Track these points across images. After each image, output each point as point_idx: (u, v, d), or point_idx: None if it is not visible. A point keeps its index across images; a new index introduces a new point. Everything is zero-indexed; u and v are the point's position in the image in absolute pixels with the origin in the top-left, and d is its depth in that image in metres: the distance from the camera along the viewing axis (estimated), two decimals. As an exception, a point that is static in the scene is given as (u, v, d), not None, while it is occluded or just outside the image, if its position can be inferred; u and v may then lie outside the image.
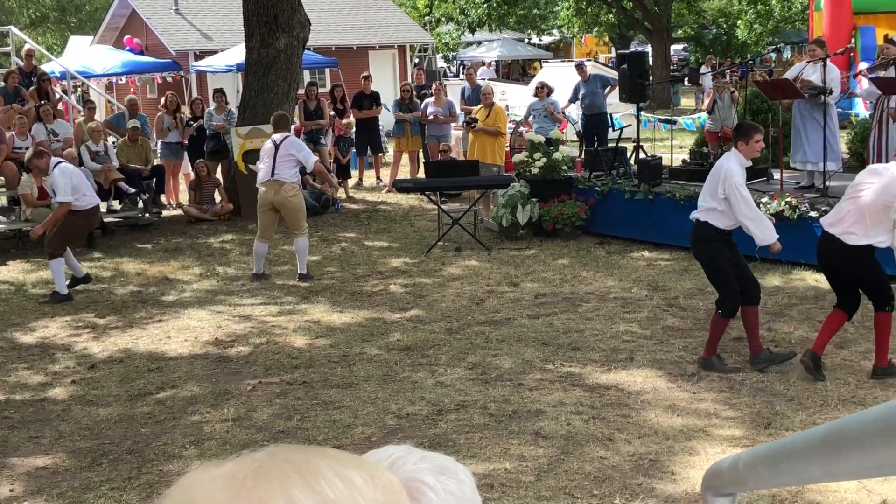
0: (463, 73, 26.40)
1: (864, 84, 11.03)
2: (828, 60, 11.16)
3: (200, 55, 26.57)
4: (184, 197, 16.14)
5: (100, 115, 19.21)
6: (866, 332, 8.15)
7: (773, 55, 29.04)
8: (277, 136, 10.70)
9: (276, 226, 11.04)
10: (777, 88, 11.59)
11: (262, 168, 10.70)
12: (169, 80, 24.97)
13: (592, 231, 12.56)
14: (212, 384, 7.54)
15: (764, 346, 7.49)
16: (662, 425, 6.31)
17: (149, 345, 8.69)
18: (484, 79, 25.91)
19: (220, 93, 16.37)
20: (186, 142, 16.41)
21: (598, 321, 8.83)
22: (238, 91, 19.19)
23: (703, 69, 35.56)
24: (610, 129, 16.83)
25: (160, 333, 9.04)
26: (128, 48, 26.60)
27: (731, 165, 7.28)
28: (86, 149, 14.47)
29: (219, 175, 15.88)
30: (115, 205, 15.19)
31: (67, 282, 10.51)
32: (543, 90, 16.83)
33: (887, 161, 10.68)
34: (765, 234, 7.29)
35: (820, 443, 1.34)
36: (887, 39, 11.12)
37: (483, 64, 43.13)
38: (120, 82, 25.58)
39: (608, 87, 16.71)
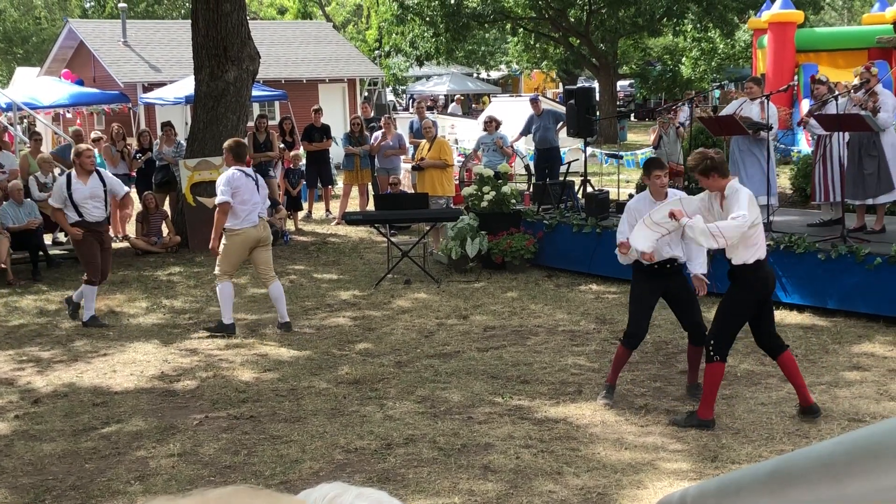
0: (413, 107, 26.51)
1: (811, 122, 11.20)
2: (768, 98, 11.37)
3: (149, 87, 26.44)
4: (130, 229, 15.98)
5: (46, 147, 19.01)
6: (809, 364, 8.27)
7: (717, 92, 29.49)
8: (250, 171, 10.09)
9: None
10: (721, 125, 11.78)
11: (248, 206, 9.79)
12: (117, 111, 24.78)
13: (541, 264, 12.64)
14: (157, 419, 7.45)
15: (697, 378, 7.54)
16: (610, 459, 6.34)
17: (94, 379, 8.57)
18: (435, 115, 26.00)
19: (168, 125, 16.30)
20: (134, 174, 16.30)
21: (547, 354, 8.86)
22: (187, 123, 19.11)
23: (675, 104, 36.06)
24: (561, 164, 16.98)
25: (105, 367, 8.92)
26: (66, 81, 26.37)
27: (629, 203, 7.64)
28: (34, 180, 14.32)
29: (167, 207, 15.77)
30: (61, 237, 15.00)
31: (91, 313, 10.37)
32: (492, 124, 16.97)
33: (833, 199, 10.90)
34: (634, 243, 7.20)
35: (767, 478, 1.36)
36: (814, 80, 11.37)
37: (432, 102, 43.36)
38: (67, 115, 25.35)
39: (560, 123, 16.83)
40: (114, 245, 15.52)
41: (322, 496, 1.15)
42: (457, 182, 18.15)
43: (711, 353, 6.80)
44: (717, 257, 8.55)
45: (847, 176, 10.59)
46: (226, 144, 10.19)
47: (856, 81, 10.99)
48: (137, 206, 16.01)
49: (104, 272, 10.62)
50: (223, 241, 9.84)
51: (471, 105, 51.02)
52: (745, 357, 8.58)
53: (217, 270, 9.95)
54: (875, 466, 1.11)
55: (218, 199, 9.72)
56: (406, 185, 17.67)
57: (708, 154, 6.76)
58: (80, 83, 26.57)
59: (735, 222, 6.46)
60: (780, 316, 9.87)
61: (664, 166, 7.61)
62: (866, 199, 10.76)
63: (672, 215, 6.72)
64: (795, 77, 21.09)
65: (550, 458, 6.36)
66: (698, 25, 36.40)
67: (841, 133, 10.57)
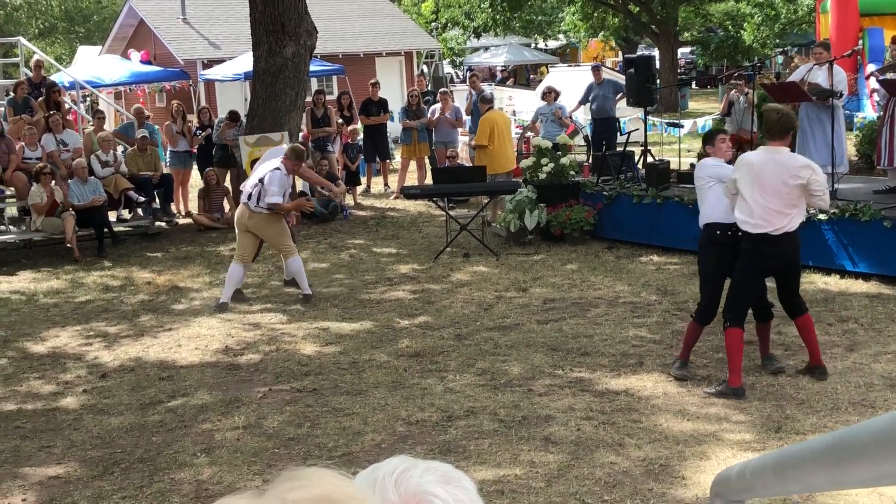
0: (468, 80, 26.47)
1: (873, 85, 11.01)
2: (834, 63, 11.15)
3: (208, 64, 26.63)
4: (193, 205, 16.17)
5: (109, 125, 19.29)
6: (875, 334, 8.14)
7: (781, 58, 29.00)
8: (270, 164, 10.10)
9: (255, 249, 10.54)
10: (785, 92, 11.58)
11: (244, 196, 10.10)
12: (177, 88, 25.03)
13: (601, 236, 12.56)
14: (222, 392, 7.56)
15: (771, 350, 7.50)
16: (673, 430, 6.31)
17: (159, 353, 8.72)
18: (493, 87, 25.82)
19: (234, 116, 16.25)
20: (195, 150, 16.47)
21: (608, 326, 8.82)
22: (246, 99, 19.23)
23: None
24: (619, 134, 16.85)
25: (170, 342, 9.06)
26: (141, 62, 26.71)
27: (706, 161, 7.62)
28: (96, 158, 14.53)
29: (228, 183, 15.92)
30: (125, 214, 15.23)
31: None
32: (551, 94, 16.86)
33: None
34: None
35: (825, 452, 1.34)
36: (895, 40, 11.09)
37: (490, 74, 43.12)
38: (128, 92, 25.65)
39: (619, 94, 16.63)
40: (178, 221, 15.78)
41: (391, 470, 1.15)
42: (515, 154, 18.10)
43: (724, 320, 7.04)
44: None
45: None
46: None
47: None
48: (199, 182, 16.20)
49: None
50: None
51: (529, 76, 50.71)
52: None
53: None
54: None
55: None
56: (464, 158, 17.65)
57: (782, 115, 6.97)
58: (150, 62, 26.89)
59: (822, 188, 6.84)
60: (846, 285, 9.74)
61: (727, 132, 7.70)
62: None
63: None
64: (860, 41, 20.64)
65: (612, 429, 6.35)
66: (760, -10, 35.79)
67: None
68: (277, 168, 9.96)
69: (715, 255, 7.33)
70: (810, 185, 6.69)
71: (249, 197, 10.01)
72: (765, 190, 6.75)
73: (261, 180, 9.93)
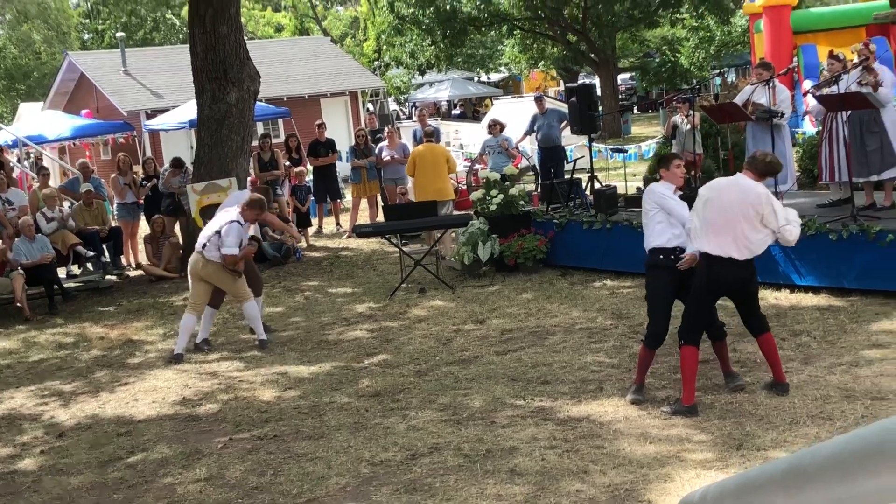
0: (416, 115, 26.51)
1: (810, 102, 11.23)
2: (776, 81, 11.34)
3: (152, 114, 26.56)
4: (143, 257, 16.05)
5: (54, 181, 19.11)
6: (829, 346, 8.25)
7: (718, 79, 29.48)
8: (225, 214, 10.13)
9: (209, 297, 10.38)
10: (725, 113, 11.76)
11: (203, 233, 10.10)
12: (122, 140, 24.89)
13: (554, 263, 12.63)
14: (182, 444, 7.48)
15: (732, 367, 7.57)
16: (636, 454, 6.33)
17: (116, 409, 8.61)
18: (438, 121, 26.01)
19: (177, 163, 16.23)
20: (142, 202, 16.39)
21: (566, 353, 8.86)
22: (191, 147, 19.18)
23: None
24: (566, 162, 16.99)
25: (127, 397, 8.96)
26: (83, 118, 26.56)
27: (654, 187, 7.65)
28: (42, 215, 14.40)
29: (178, 231, 15.85)
30: (75, 269, 15.08)
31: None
32: (496, 127, 16.99)
33: (839, 178, 10.87)
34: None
35: (781, 477, 1.37)
36: (832, 55, 11.31)
37: (434, 109, 43.33)
38: (73, 146, 25.47)
39: (564, 122, 16.78)
40: (129, 273, 15.64)
41: None
42: (464, 187, 18.19)
43: (679, 339, 7.11)
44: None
45: (851, 154, 10.55)
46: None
47: (855, 59, 10.95)
48: (146, 230, 16.09)
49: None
50: None
51: (474, 109, 51.06)
52: (763, 343, 8.56)
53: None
54: (883, 466, 1.11)
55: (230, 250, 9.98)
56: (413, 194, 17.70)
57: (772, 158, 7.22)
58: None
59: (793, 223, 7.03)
60: (796, 299, 9.87)
61: (681, 157, 7.83)
62: (870, 176, 10.72)
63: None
64: (795, 59, 21.03)
65: (576, 457, 6.36)
66: (694, 13, 36.39)
67: (843, 112, 10.54)
68: (235, 220, 9.93)
69: (661, 278, 7.40)
70: (765, 218, 6.90)
71: (205, 246, 9.98)
72: (724, 213, 6.91)
73: (217, 231, 9.90)
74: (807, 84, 18.24)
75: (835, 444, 1.23)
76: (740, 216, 6.88)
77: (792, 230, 7.01)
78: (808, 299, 9.83)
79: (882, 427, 1.13)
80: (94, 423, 8.27)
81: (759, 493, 1.46)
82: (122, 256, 16.04)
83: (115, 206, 16.71)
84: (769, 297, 9.97)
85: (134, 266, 16.16)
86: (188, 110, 20.89)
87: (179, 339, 10.20)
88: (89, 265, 15.03)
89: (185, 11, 32.33)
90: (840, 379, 7.39)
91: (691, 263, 7.20)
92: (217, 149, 14.71)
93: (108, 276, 15.02)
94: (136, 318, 12.43)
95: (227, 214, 10.07)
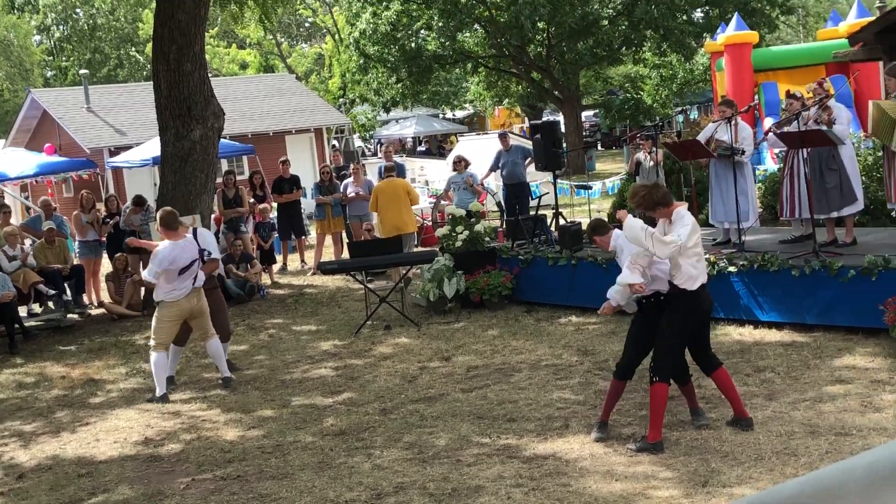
0: (381, 152, 26.56)
1: (771, 141, 11.39)
2: (739, 119, 11.48)
3: (115, 151, 26.41)
4: (105, 295, 15.90)
5: (16, 219, 18.92)
6: (792, 382, 8.30)
7: (681, 117, 29.79)
8: (188, 240, 9.98)
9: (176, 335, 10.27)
10: (687, 149, 11.87)
11: (185, 280, 9.79)
12: (85, 177, 24.72)
13: (519, 299, 12.64)
14: (144, 485, 7.38)
15: (697, 403, 7.58)
16: (602, 492, 6.32)
17: (77, 450, 8.49)
18: (403, 158, 26.06)
19: (139, 200, 16.13)
20: (104, 239, 16.26)
21: (532, 390, 8.85)
22: (155, 184, 19.08)
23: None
24: (530, 199, 17.06)
25: (88, 437, 8.83)
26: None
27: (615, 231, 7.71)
28: (2, 253, 14.24)
29: (141, 269, 15.72)
30: (36, 308, 14.91)
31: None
32: (461, 163, 17.05)
33: (800, 214, 10.98)
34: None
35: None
36: (789, 95, 11.47)
37: (400, 146, 43.42)
38: (35, 183, 25.27)
39: (528, 159, 16.86)
40: (91, 311, 15.48)
41: None
42: (430, 223, 18.21)
43: (652, 376, 7.04)
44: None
45: (812, 191, 10.66)
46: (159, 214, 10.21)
47: (810, 97, 11.11)
48: (108, 268, 15.96)
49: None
50: (157, 311, 9.91)
51: (439, 145, 51.27)
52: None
53: (152, 342, 9.93)
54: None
55: (145, 276, 9.85)
56: (380, 230, 17.70)
57: (646, 191, 7.13)
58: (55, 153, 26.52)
59: (667, 239, 6.84)
60: (760, 335, 9.93)
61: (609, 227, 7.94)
62: (831, 213, 10.84)
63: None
64: (756, 97, 21.29)
65: (542, 495, 6.33)
66: (657, 52, 36.80)
67: (804, 149, 10.67)
68: (192, 239, 10.01)
69: (639, 316, 7.44)
70: None
71: (195, 279, 9.87)
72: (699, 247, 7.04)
73: (202, 251, 9.88)
74: (768, 121, 18.45)
75: (789, 486, 1.23)
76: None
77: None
78: (772, 335, 9.89)
79: (838, 469, 1.13)
80: (55, 464, 8.14)
81: None
82: (83, 295, 15.89)
83: (77, 243, 16.56)
84: (733, 333, 10.03)
85: (96, 304, 16.00)
86: (152, 147, 20.78)
87: (157, 379, 9.86)
88: (51, 304, 14.87)
89: (149, 48, 32.28)
90: (804, 415, 7.42)
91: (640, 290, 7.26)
92: (181, 186, 14.64)
93: (69, 315, 14.86)
94: (98, 356, 12.29)
95: (185, 245, 9.86)
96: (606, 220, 8.53)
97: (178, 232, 9.90)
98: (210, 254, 10.22)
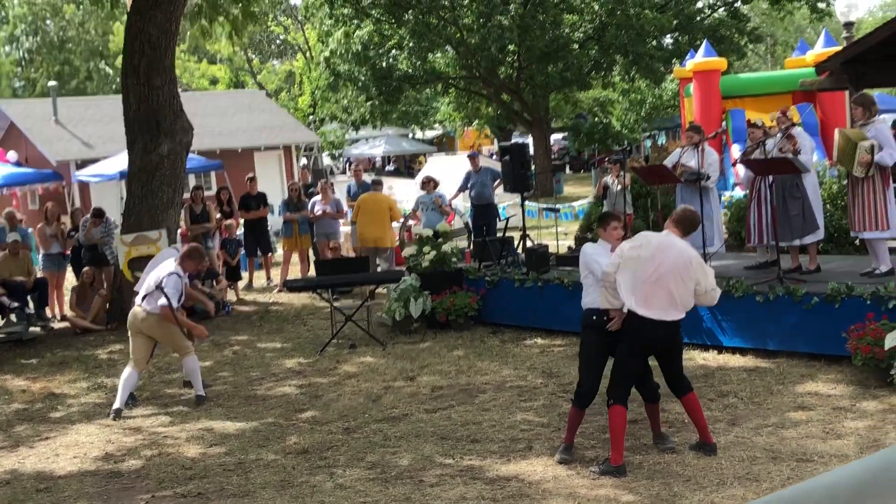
0: (350, 171, 26.56)
1: (741, 172, 11.50)
2: (705, 145, 11.58)
3: (82, 164, 26.22)
4: (69, 309, 15.75)
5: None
6: (755, 407, 8.34)
7: (649, 141, 30.03)
8: (165, 265, 10.01)
9: (150, 351, 10.24)
10: (654, 174, 11.95)
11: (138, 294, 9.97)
12: (51, 190, 24.54)
13: (485, 321, 12.65)
14: (103, 501, 7.30)
15: (662, 429, 7.61)
16: (564, 514, 6.31)
17: (36, 464, 8.38)
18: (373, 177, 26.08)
19: (98, 213, 16.00)
20: (68, 253, 16.12)
21: (496, 411, 8.84)
22: (122, 198, 18.96)
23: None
24: (498, 220, 17.11)
25: (48, 452, 8.73)
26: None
27: (586, 248, 7.75)
28: (-36, 264, 14.09)
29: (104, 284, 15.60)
30: (-4, 320, 14.74)
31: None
32: (430, 183, 17.06)
33: (767, 241, 11.08)
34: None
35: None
36: (750, 124, 11.60)
37: (369, 165, 43.41)
38: (1, 195, 25.05)
39: (497, 181, 16.90)
40: (54, 325, 15.33)
41: None
42: (396, 244, 18.21)
43: (608, 398, 7.12)
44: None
45: (777, 218, 10.76)
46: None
47: (773, 126, 11.23)
48: (73, 282, 15.81)
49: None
50: None
51: (408, 165, 51.32)
52: (691, 403, 8.62)
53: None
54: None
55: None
56: (346, 249, 17.68)
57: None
58: (19, 164, 26.29)
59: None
60: (724, 359, 9.99)
61: (620, 218, 7.90)
62: (793, 241, 10.95)
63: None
64: (723, 123, 21.48)
65: (504, 517, 6.32)
66: (626, 77, 37.07)
67: (769, 176, 10.78)
68: (174, 272, 9.84)
69: (594, 338, 7.44)
70: (699, 283, 7.01)
71: (144, 298, 9.83)
72: (657, 272, 6.98)
73: (159, 285, 9.77)
74: (735, 150, 18.62)
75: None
76: (675, 277, 6.97)
77: (717, 293, 7.16)
78: (735, 360, 9.95)
79: (783, 498, 1.14)
80: (13, 478, 8.04)
81: None
82: (47, 308, 15.73)
83: (41, 256, 16.42)
84: (697, 358, 10.07)
85: (59, 318, 15.85)
86: (119, 161, 20.67)
87: (120, 394, 9.83)
88: (13, 316, 14.71)
89: (119, 61, 32.16)
90: (766, 440, 7.46)
91: (619, 324, 7.25)
92: (148, 200, 14.57)
93: (31, 328, 14.70)
94: (60, 371, 12.16)
95: (167, 266, 9.93)
96: (574, 242, 8.51)
97: (182, 261, 10.01)
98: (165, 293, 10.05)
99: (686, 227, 7.29)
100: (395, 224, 16.55)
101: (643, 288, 6.99)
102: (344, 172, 45.44)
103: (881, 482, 0.96)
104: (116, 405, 9.79)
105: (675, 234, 7.21)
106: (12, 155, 26.68)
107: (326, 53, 36.13)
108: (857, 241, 12.30)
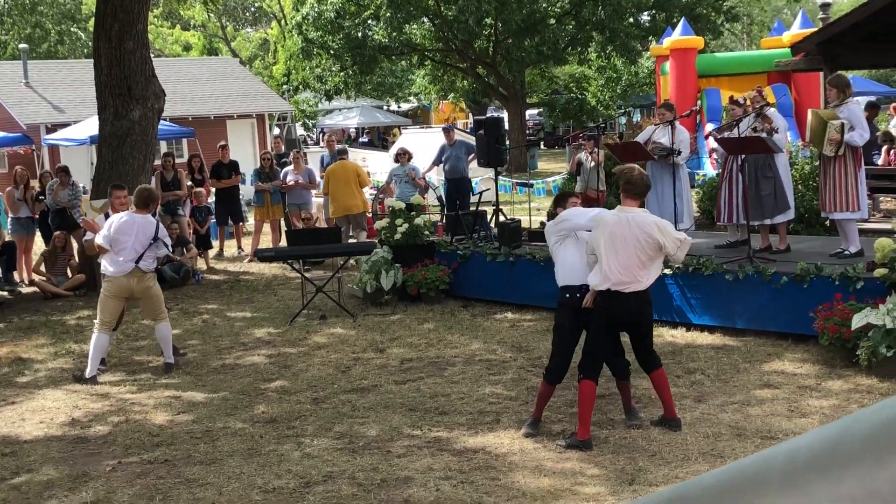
0: (323, 141, 26.41)
1: (712, 144, 11.55)
2: (677, 123, 11.61)
3: (52, 128, 25.98)
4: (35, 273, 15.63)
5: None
6: (722, 384, 8.41)
7: (624, 119, 30.07)
8: (141, 219, 9.84)
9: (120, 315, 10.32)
10: (628, 151, 11.97)
11: (121, 256, 9.66)
12: (20, 153, 24.29)
13: (456, 294, 12.66)
14: (69, 467, 7.27)
15: (633, 404, 7.65)
16: (530, 486, 6.35)
17: (2, 428, 8.33)
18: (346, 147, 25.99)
19: (63, 171, 15.95)
20: (37, 217, 15.98)
21: (465, 384, 8.87)
22: (92, 163, 18.80)
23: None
24: (471, 194, 17.10)
25: (14, 416, 8.68)
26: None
27: (549, 224, 7.86)
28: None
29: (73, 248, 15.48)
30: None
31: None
32: (404, 156, 17.03)
33: (737, 220, 11.13)
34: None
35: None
36: (732, 101, 11.63)
37: (343, 136, 43.25)
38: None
39: (471, 155, 16.85)
40: (22, 290, 15.21)
41: None
42: (370, 215, 18.18)
43: (579, 373, 7.17)
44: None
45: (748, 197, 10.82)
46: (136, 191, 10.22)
47: (750, 105, 11.27)
48: (41, 247, 15.69)
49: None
50: (102, 287, 9.91)
51: (382, 137, 51.15)
52: (659, 379, 8.68)
53: (97, 320, 9.87)
54: (758, 496, 1.12)
55: (97, 240, 9.80)
56: (318, 219, 17.63)
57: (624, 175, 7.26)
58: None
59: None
60: (692, 337, 10.05)
61: (577, 195, 7.93)
62: (764, 220, 11.01)
63: None
64: (698, 101, 21.55)
65: (470, 488, 6.35)
66: (602, 53, 37.05)
67: (740, 156, 10.82)
68: (156, 220, 10.02)
69: (568, 315, 7.46)
70: (664, 246, 6.98)
71: (140, 258, 9.72)
72: (618, 249, 6.97)
73: (154, 238, 9.74)
74: (709, 126, 18.67)
75: (714, 474, 1.25)
76: (639, 249, 6.99)
77: (686, 244, 7.17)
78: (704, 338, 10.02)
79: (764, 457, 1.14)
80: (-23, 443, 7.99)
81: None
82: (14, 272, 15.60)
83: (9, 220, 16.26)
84: (665, 335, 10.13)
85: (27, 282, 15.72)
86: (90, 126, 20.49)
87: (92, 359, 9.76)
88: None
89: (91, 25, 31.86)
90: (732, 417, 7.52)
91: (593, 301, 7.27)
92: (118, 166, 14.43)
93: (-1, 292, 14.58)
94: (27, 335, 12.08)
95: (142, 223, 9.79)
96: (547, 217, 8.47)
97: (144, 209, 9.95)
98: (170, 248, 10.20)
99: (640, 192, 7.24)
100: (365, 190, 16.63)
101: (611, 264, 7.00)
102: (317, 143, 45.23)
103: (841, 449, 0.98)
104: (90, 372, 9.71)
105: (631, 206, 7.18)
106: None
107: (298, 19, 35.84)
108: (827, 222, 12.39)
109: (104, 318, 9.81)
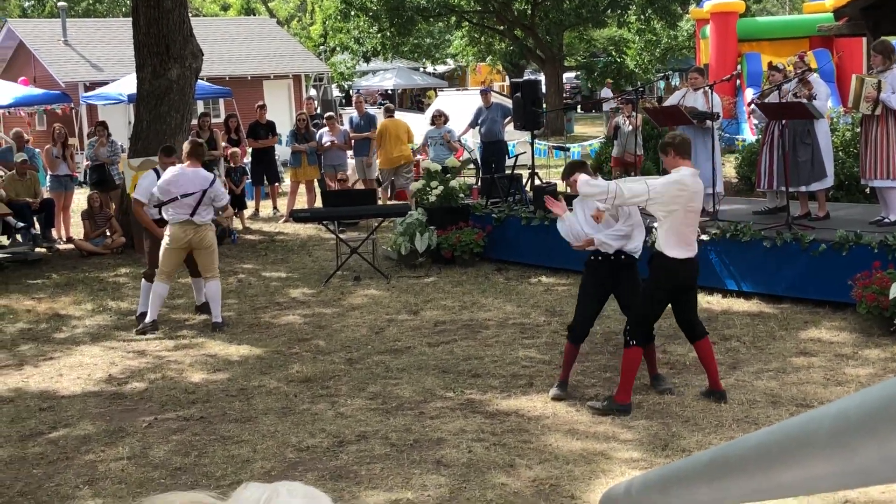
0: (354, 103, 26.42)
1: (755, 112, 11.44)
2: (710, 88, 11.49)
3: (91, 86, 26.10)
4: (75, 231, 15.77)
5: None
6: (757, 352, 8.36)
7: (663, 83, 29.77)
8: (192, 172, 9.93)
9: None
10: (666, 115, 11.86)
11: (173, 208, 9.79)
12: (59, 111, 24.42)
13: (490, 257, 12.64)
14: (106, 422, 7.36)
15: (659, 368, 7.62)
16: (562, 449, 6.36)
17: (40, 383, 8.45)
18: (376, 109, 25.98)
19: (101, 126, 16.07)
20: (76, 174, 16.11)
21: (498, 347, 8.87)
22: (130, 122, 18.89)
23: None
24: (507, 157, 17.03)
25: (52, 371, 8.79)
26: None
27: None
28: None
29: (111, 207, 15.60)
30: (4, 240, 14.76)
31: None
32: (440, 118, 16.98)
33: (776, 186, 11.02)
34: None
35: (705, 468, 1.36)
36: (772, 66, 11.47)
37: (380, 96, 43.08)
38: (7, 114, 24.96)
39: (508, 118, 16.76)
40: (59, 247, 15.37)
41: (256, 499, 1.15)
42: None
43: (628, 339, 7.02)
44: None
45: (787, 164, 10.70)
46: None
47: (791, 70, 11.13)
48: (81, 206, 15.82)
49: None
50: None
51: (418, 99, 50.97)
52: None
53: (157, 269, 10.03)
54: (805, 456, 1.11)
55: (135, 195, 10.18)
56: (353, 181, 17.65)
57: (672, 135, 7.18)
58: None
59: (632, 184, 6.93)
60: (728, 303, 9.99)
61: (585, 164, 7.80)
62: (800, 187, 10.88)
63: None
64: (738, 66, 21.30)
65: (503, 450, 6.37)
66: (642, 16, 36.66)
67: (781, 121, 10.69)
68: (208, 176, 10.04)
69: (593, 277, 7.43)
70: None
71: (194, 212, 9.79)
72: (696, 212, 6.95)
73: (204, 191, 9.80)
74: (749, 91, 18.46)
75: (758, 435, 1.24)
76: (697, 212, 7.02)
77: None
78: (740, 304, 9.95)
79: (810, 417, 1.13)
80: (17, 396, 8.11)
81: (682, 484, 1.46)
82: (52, 229, 15.75)
83: (48, 177, 16.40)
84: (702, 301, 10.02)
85: (64, 239, 15.87)
86: (128, 84, 20.54)
87: (152, 307, 9.97)
88: (18, 237, 14.74)
89: (129, -16, 31.88)
90: (767, 385, 7.48)
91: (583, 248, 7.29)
92: (155, 125, 14.49)
93: (37, 249, 14.74)
94: (65, 292, 12.21)
95: (192, 175, 9.87)
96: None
97: (194, 159, 10.05)
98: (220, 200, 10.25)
99: (688, 153, 7.18)
100: (410, 145, 17.46)
101: (681, 230, 6.90)
102: (349, 104, 45.16)
103: (891, 408, 0.96)
104: (150, 318, 9.92)
105: (687, 166, 7.08)
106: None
107: (338, -20, 35.68)
108: (867, 189, 12.24)
109: (163, 268, 9.94)
